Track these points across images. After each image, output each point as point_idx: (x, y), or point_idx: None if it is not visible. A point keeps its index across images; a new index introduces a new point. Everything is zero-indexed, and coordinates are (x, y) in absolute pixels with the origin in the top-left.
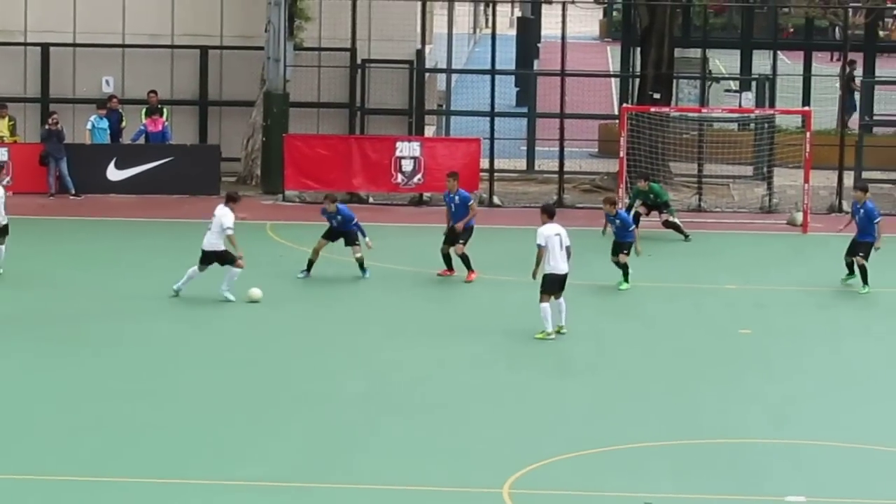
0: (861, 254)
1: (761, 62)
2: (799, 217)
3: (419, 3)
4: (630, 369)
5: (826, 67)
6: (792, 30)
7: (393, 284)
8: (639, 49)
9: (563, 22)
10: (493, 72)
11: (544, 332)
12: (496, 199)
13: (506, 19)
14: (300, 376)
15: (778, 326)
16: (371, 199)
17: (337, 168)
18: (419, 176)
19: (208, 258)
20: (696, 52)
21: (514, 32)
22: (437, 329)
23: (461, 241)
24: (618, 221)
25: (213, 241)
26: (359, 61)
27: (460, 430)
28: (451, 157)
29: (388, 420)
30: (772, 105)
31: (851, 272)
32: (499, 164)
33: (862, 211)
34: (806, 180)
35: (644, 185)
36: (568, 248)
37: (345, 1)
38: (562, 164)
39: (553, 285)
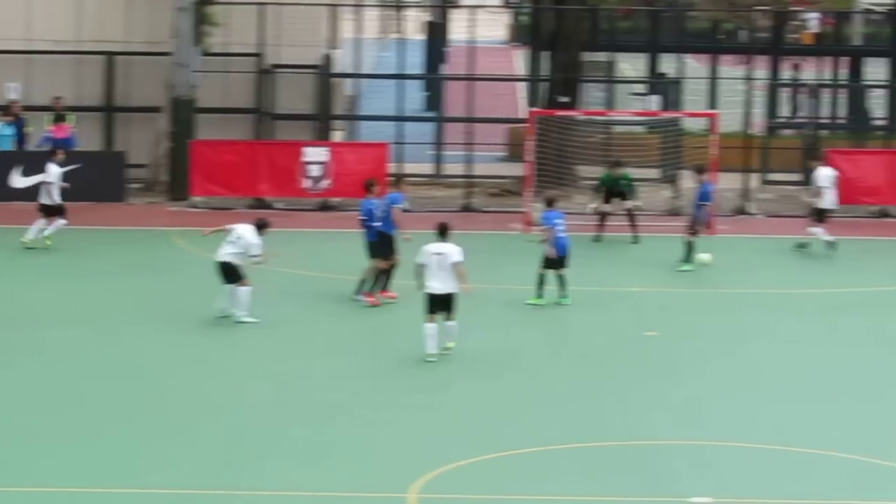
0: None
1: (668, 65)
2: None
3: (327, 8)
4: (537, 372)
5: (732, 70)
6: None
7: (300, 290)
8: (546, 53)
9: (471, 26)
10: (400, 76)
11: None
12: (406, 204)
13: (414, 24)
14: (206, 384)
15: (683, 328)
16: (278, 205)
17: (244, 174)
18: (327, 181)
19: (219, 271)
20: (603, 56)
21: (422, 37)
22: (343, 335)
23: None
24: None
25: (227, 255)
26: (266, 66)
27: (366, 436)
28: (359, 162)
29: (295, 427)
30: (678, 108)
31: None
32: (407, 168)
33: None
34: (713, 182)
35: (618, 172)
36: (456, 265)
37: (252, 6)
38: (470, 169)
39: (432, 305)
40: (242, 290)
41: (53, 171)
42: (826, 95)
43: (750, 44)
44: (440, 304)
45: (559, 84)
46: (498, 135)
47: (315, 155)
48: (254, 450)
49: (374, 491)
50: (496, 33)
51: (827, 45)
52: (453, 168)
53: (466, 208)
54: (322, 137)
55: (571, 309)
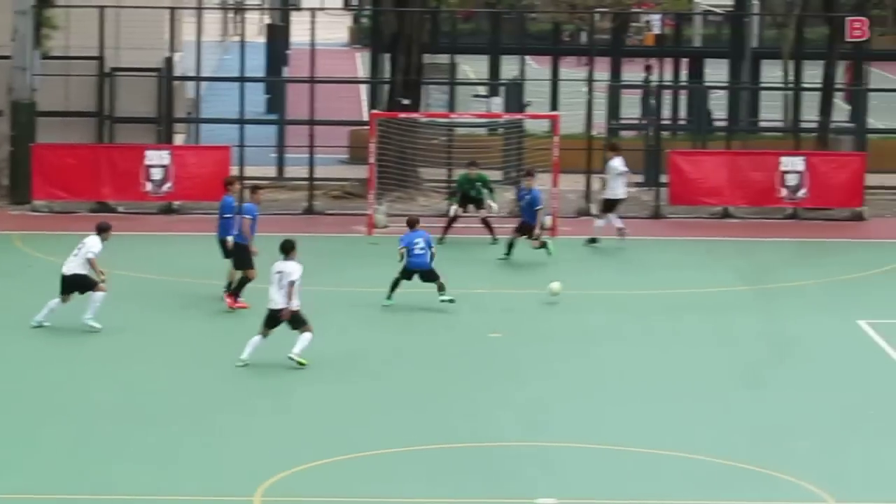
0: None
1: (509, 67)
2: (548, 220)
3: (167, 11)
4: (382, 375)
5: (573, 72)
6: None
7: (142, 294)
8: (388, 55)
9: (312, 29)
10: (242, 79)
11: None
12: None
13: (255, 27)
14: (49, 388)
15: (527, 330)
16: (120, 209)
17: (86, 177)
18: (169, 184)
19: (69, 285)
20: (444, 58)
21: (263, 40)
22: (186, 338)
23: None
24: (528, 197)
25: (74, 267)
26: (107, 70)
27: (211, 439)
28: (201, 166)
29: (140, 430)
30: (520, 110)
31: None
32: (249, 171)
33: (528, 197)
34: (554, 184)
35: (473, 172)
36: (292, 283)
37: (92, 9)
38: (312, 171)
39: (269, 320)
40: (97, 295)
41: None
42: (667, 96)
43: (591, 45)
44: (274, 320)
45: (401, 86)
46: (340, 137)
47: (157, 158)
48: (100, 454)
49: (221, 494)
50: (338, 36)
51: (668, 47)
52: (296, 171)
53: (309, 211)
54: (164, 141)
55: (417, 311)
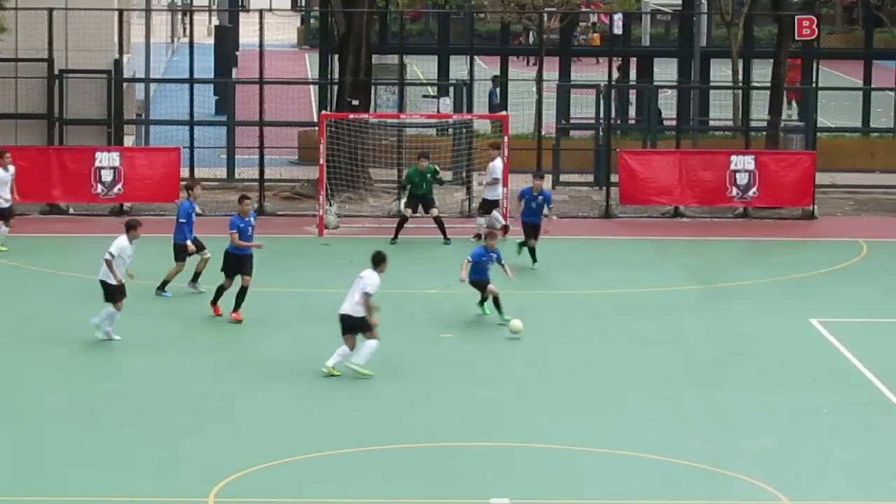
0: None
1: (458, 67)
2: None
3: (116, 13)
4: (333, 376)
5: (521, 72)
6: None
7: (92, 295)
8: (337, 56)
9: (261, 30)
10: (191, 81)
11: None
12: (197, 208)
13: (203, 28)
14: (1, 390)
15: (479, 330)
16: (71, 210)
17: (36, 179)
18: (119, 186)
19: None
20: (393, 59)
21: (211, 41)
22: (139, 339)
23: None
24: (540, 199)
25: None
26: (56, 72)
27: (164, 441)
28: (151, 167)
29: (92, 432)
30: (469, 110)
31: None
32: (199, 172)
33: (540, 198)
34: (504, 184)
35: (423, 165)
36: (367, 294)
37: (41, 11)
38: (262, 172)
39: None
40: (110, 310)
41: None
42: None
43: (540, 45)
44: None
45: (349, 87)
46: (290, 138)
47: (107, 160)
48: (51, 456)
49: (175, 496)
50: (286, 37)
51: (616, 47)
52: (246, 172)
53: (260, 212)
54: (114, 142)
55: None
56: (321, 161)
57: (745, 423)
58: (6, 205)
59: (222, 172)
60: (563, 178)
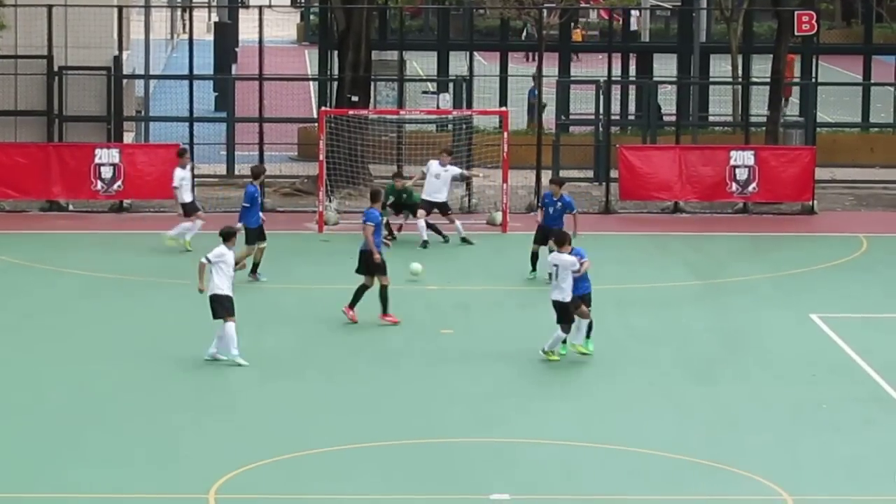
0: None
1: (458, 63)
2: (498, 217)
3: (115, 10)
4: (333, 372)
5: (521, 68)
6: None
7: (94, 293)
8: (336, 52)
9: (261, 26)
10: (191, 77)
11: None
12: (197, 205)
13: (203, 24)
14: (3, 388)
15: (479, 326)
16: (71, 207)
17: (35, 176)
18: (119, 183)
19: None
20: (393, 55)
21: (211, 37)
22: (139, 337)
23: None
24: (559, 205)
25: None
26: (56, 68)
27: (164, 438)
28: (151, 164)
29: (92, 430)
30: (469, 106)
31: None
32: (199, 169)
33: (559, 204)
34: (504, 180)
35: (400, 184)
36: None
37: (40, 8)
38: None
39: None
40: (228, 326)
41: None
42: (616, 91)
43: (539, 41)
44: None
45: (349, 83)
46: (290, 134)
47: (107, 157)
48: (53, 454)
49: (176, 492)
50: (286, 33)
51: (616, 42)
52: (246, 168)
53: (261, 209)
54: (113, 139)
55: (368, 308)
56: (321, 157)
57: (745, 419)
58: (188, 199)
59: (222, 169)
60: (562, 173)
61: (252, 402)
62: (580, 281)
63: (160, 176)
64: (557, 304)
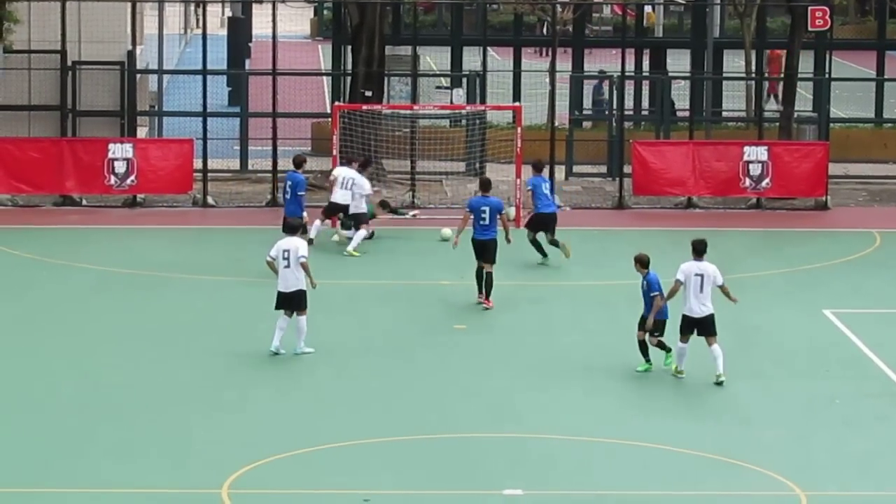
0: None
1: (471, 58)
2: (512, 212)
3: (129, 5)
4: (347, 367)
5: (535, 63)
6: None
7: (107, 287)
8: (350, 47)
9: (274, 21)
10: (204, 72)
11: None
12: (210, 200)
13: (216, 19)
14: (14, 381)
15: (492, 321)
16: (84, 202)
17: (49, 171)
18: (132, 177)
19: (287, 302)
20: (406, 50)
21: (224, 32)
22: (152, 332)
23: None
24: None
25: (292, 282)
26: (69, 63)
27: (177, 432)
28: (164, 158)
29: (105, 424)
30: (482, 101)
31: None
32: (212, 164)
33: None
34: (517, 175)
35: (379, 213)
36: (721, 287)
37: (54, 3)
38: (275, 164)
39: (688, 327)
40: (302, 320)
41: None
42: (630, 87)
43: (553, 36)
44: (693, 327)
45: (363, 78)
46: (303, 129)
47: (120, 151)
48: (64, 448)
49: (189, 487)
50: (299, 28)
51: (629, 37)
52: (259, 163)
53: (273, 203)
54: (127, 134)
55: (382, 302)
56: (334, 152)
57: (758, 414)
58: (362, 209)
59: (235, 164)
60: (576, 169)
61: (265, 396)
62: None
63: (174, 171)
64: (708, 318)
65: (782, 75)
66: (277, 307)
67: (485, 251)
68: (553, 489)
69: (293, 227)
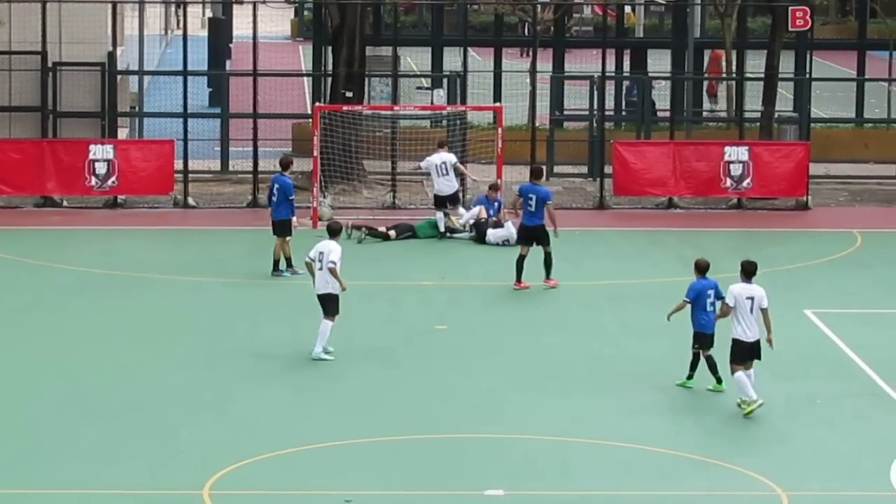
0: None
1: (452, 59)
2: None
3: (109, 6)
4: (327, 368)
5: (516, 63)
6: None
7: (88, 288)
8: (331, 48)
9: (255, 22)
10: (185, 73)
11: (748, 401)
12: (191, 201)
13: (197, 20)
14: None
15: (474, 321)
16: (65, 203)
17: (30, 172)
18: (113, 178)
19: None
20: (387, 50)
21: (205, 33)
22: (133, 333)
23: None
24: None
25: (322, 285)
26: (50, 64)
27: (158, 433)
28: (145, 159)
29: (86, 425)
30: (463, 102)
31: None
32: (193, 165)
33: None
34: (498, 175)
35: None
36: (764, 311)
37: (34, 4)
38: (256, 165)
39: (742, 353)
40: (327, 324)
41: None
42: (610, 87)
43: (533, 37)
44: (750, 353)
45: (343, 79)
46: (284, 130)
47: (101, 152)
48: (45, 448)
49: (170, 488)
50: (280, 29)
51: (610, 38)
52: (240, 164)
53: (254, 204)
54: (108, 135)
55: (362, 303)
56: (315, 153)
57: (739, 414)
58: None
59: (216, 165)
60: (556, 169)
61: (247, 397)
62: (701, 314)
63: (154, 171)
64: (758, 343)
65: (724, 75)
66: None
67: (533, 237)
68: (534, 489)
69: (334, 230)
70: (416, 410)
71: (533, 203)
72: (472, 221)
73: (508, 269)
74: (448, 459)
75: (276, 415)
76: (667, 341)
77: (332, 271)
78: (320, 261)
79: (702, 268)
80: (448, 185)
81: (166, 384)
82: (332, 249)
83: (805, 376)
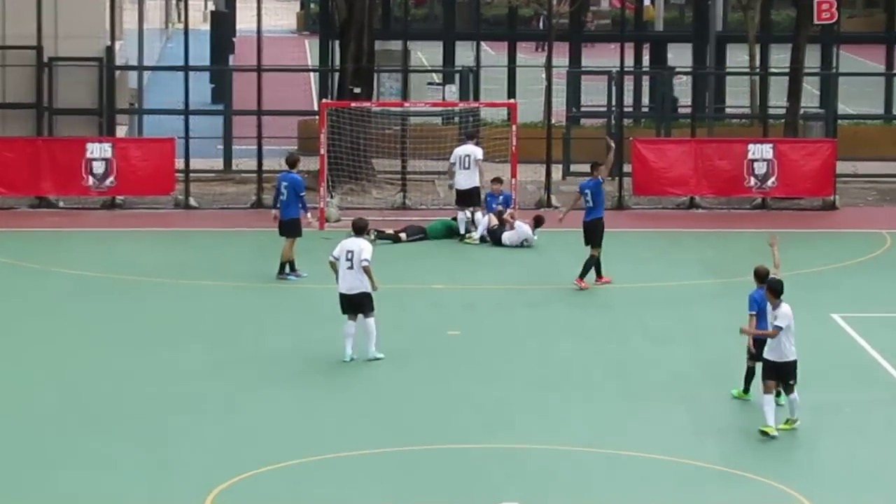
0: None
1: (464, 53)
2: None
3: None
4: (337, 375)
5: (530, 58)
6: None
7: (85, 292)
8: (338, 42)
9: (259, 15)
10: (186, 68)
11: (766, 426)
12: (192, 201)
13: (199, 14)
14: None
15: (487, 326)
16: (61, 204)
17: (24, 171)
18: (111, 178)
19: (352, 305)
20: (397, 45)
21: (207, 27)
22: (132, 339)
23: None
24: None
25: (353, 284)
26: (45, 59)
27: (161, 443)
28: (145, 158)
29: (85, 434)
30: (476, 98)
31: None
32: (195, 163)
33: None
34: (513, 175)
35: None
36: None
37: None
38: (260, 163)
39: (770, 373)
40: (372, 324)
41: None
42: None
43: (549, 31)
44: (782, 373)
45: (351, 74)
46: (289, 127)
47: (99, 151)
48: (43, 458)
49: (171, 500)
50: (285, 22)
51: (629, 31)
52: (244, 163)
53: (258, 205)
54: (106, 133)
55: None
56: (322, 151)
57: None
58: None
59: (219, 164)
60: (573, 167)
61: (252, 405)
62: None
63: (154, 171)
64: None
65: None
66: (343, 311)
67: (585, 233)
68: (552, 501)
69: (360, 227)
70: (427, 420)
71: (590, 198)
72: (484, 232)
73: (523, 271)
74: (461, 471)
75: (281, 424)
76: (688, 347)
77: (367, 270)
78: (349, 259)
79: (762, 275)
80: (466, 180)
81: (167, 392)
82: (363, 248)
83: (832, 383)
